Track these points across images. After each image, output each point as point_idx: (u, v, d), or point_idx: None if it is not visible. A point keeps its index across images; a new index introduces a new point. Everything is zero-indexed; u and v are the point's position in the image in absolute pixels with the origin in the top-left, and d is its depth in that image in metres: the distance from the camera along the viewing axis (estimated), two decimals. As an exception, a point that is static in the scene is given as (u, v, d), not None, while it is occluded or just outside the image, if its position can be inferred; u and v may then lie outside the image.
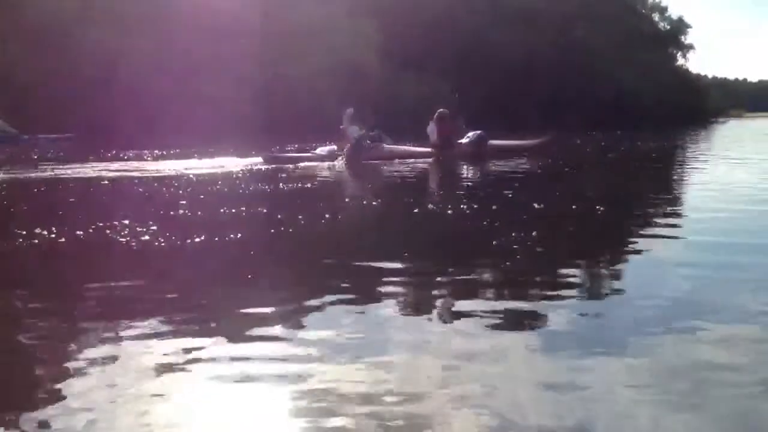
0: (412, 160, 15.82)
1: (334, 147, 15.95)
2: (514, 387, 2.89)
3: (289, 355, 3.30)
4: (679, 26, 70.34)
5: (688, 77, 69.25)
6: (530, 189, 11.01)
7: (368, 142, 15.78)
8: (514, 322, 3.89)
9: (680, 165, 16.12)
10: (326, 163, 15.22)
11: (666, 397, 2.75)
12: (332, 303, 4.20)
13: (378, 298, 4.36)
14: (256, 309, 4.10)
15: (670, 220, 7.46)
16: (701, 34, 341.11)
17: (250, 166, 14.69)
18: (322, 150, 16.07)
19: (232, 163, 15.50)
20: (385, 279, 4.83)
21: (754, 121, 70.28)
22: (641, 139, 23.19)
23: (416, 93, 37.30)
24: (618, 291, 4.58)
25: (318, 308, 4.11)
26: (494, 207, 8.50)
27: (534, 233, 6.51)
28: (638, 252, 5.88)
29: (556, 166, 15.37)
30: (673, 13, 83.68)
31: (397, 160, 15.56)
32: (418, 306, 4.30)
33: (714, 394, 2.80)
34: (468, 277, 5.07)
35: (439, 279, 4.95)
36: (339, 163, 15.17)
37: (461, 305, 4.19)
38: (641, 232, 6.82)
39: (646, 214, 8.09)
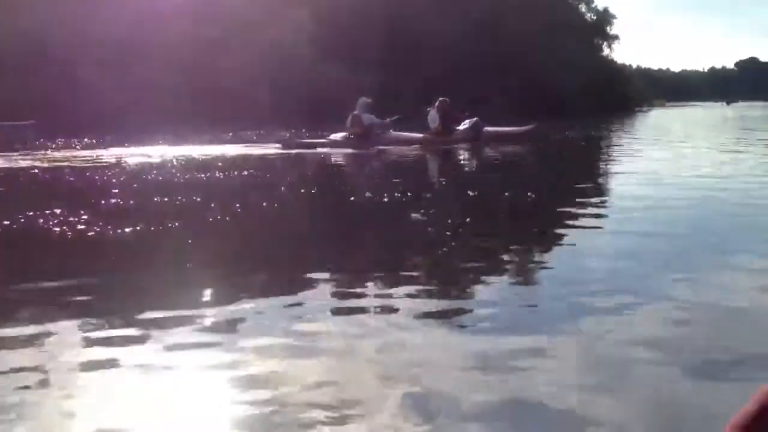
0: (415, 145, 16.57)
1: (345, 133, 16.71)
2: (443, 370, 3.00)
3: (215, 343, 3.34)
4: (605, 17, 71.91)
5: (613, 67, 70.84)
6: (464, 177, 11.23)
7: (378, 131, 16.57)
8: (445, 309, 4.00)
9: (607, 153, 16.57)
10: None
11: (592, 379, 2.91)
12: (261, 294, 4.25)
13: (306, 289, 4.38)
14: (183, 300, 4.12)
15: (597, 209, 7.73)
16: (626, 25, 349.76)
17: (182, 156, 14.49)
18: (335, 136, 16.80)
19: (169, 152, 15.27)
20: (312, 272, 4.82)
21: (675, 110, 72.52)
22: (569, 128, 23.65)
23: (342, 82, 37.26)
24: (545, 276, 4.76)
25: (243, 299, 4.13)
26: (428, 195, 8.65)
27: (468, 220, 6.67)
28: (566, 237, 6.12)
29: (490, 155, 15.65)
30: (599, 3, 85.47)
31: (402, 146, 16.34)
32: (347, 297, 4.34)
33: (637, 373, 2.97)
34: (400, 265, 5.13)
35: (369, 268, 5.03)
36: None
37: (392, 294, 4.25)
38: (569, 220, 7.05)
39: (574, 202, 8.33)
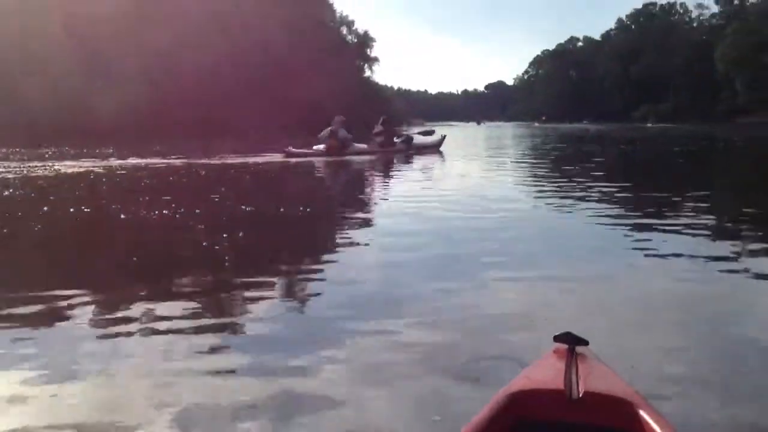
0: (369, 156, 20.28)
1: (324, 145, 20.14)
2: (209, 389, 2.96)
3: None
4: (365, 40, 75.12)
5: (374, 87, 74.06)
6: (238, 190, 11.12)
7: (348, 144, 20.54)
8: (216, 326, 3.91)
9: (374, 170, 17.09)
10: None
11: (360, 390, 2.96)
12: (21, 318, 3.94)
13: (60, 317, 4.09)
14: None
15: (365, 225, 7.98)
16: (387, 48, 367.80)
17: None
18: (317, 147, 20.22)
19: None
20: (68, 299, 4.48)
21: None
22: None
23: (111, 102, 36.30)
24: (315, 291, 4.74)
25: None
26: (198, 211, 8.42)
27: (240, 234, 6.52)
28: (334, 251, 6.27)
29: (268, 169, 15.62)
30: (360, 27, 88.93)
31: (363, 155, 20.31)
32: (109, 319, 4.09)
33: (405, 373, 3.08)
34: (172, 283, 4.98)
35: (135, 289, 4.79)
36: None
37: (161, 314, 4.09)
38: (339, 234, 7.24)
39: (344, 217, 8.52)
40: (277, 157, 19.20)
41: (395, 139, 22.13)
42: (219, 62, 45.78)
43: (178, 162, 17.59)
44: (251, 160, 18.47)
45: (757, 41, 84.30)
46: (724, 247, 6.06)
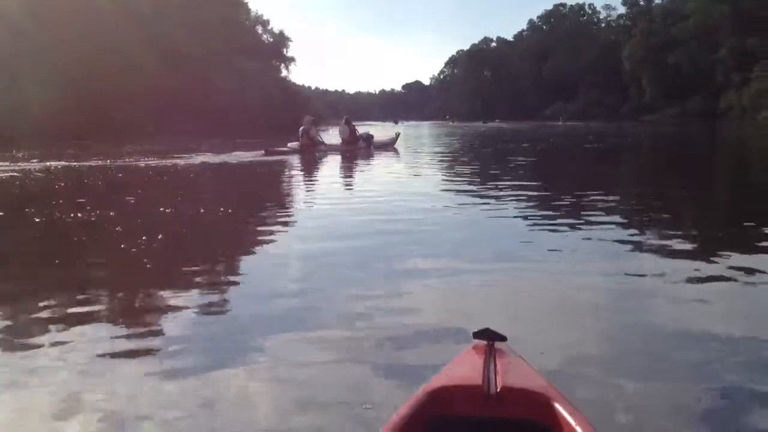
0: (337, 151, 22.05)
1: (298, 143, 21.85)
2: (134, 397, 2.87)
3: None
4: (281, 39, 74.36)
5: (291, 88, 73.38)
6: (161, 191, 10.88)
7: (319, 141, 22.48)
8: (129, 331, 3.82)
9: (295, 169, 16.91)
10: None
11: (279, 391, 2.96)
12: None
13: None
14: None
15: (285, 224, 7.88)
16: (304, 48, 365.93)
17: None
18: (291, 145, 21.89)
19: None
20: None
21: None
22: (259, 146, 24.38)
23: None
24: (230, 295, 4.64)
25: None
26: (112, 213, 8.33)
27: (160, 236, 6.48)
28: (256, 252, 6.19)
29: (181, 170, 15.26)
30: (276, 26, 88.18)
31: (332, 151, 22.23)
32: (17, 326, 3.94)
33: (323, 375, 3.08)
34: (86, 289, 4.76)
35: (47, 293, 4.60)
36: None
37: (72, 320, 3.95)
38: (259, 235, 7.11)
39: (266, 217, 8.43)
40: (208, 157, 19.25)
41: (359, 139, 23.52)
42: (125, 64, 44.48)
43: (90, 164, 17.03)
44: (172, 161, 17.93)
45: (661, 41, 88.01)
46: (636, 241, 6.26)
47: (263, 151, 20.64)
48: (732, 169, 16.58)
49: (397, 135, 26.46)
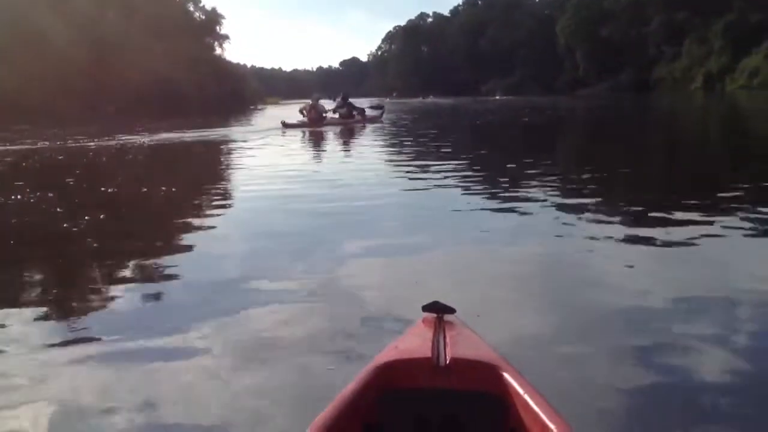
0: (341, 126, 23.80)
1: (306, 117, 23.74)
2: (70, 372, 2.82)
3: None
4: (214, 17, 72.91)
5: (226, 66, 72.14)
6: (100, 172, 10.66)
7: (325, 115, 24.30)
8: (74, 311, 3.80)
9: (231, 149, 16.66)
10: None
11: (226, 372, 2.92)
12: None
13: None
14: None
15: (222, 204, 7.83)
16: (239, 27, 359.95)
17: None
18: (301, 119, 23.76)
19: None
20: None
21: (289, 107, 76.54)
22: (178, 127, 23.95)
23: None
24: (174, 274, 4.57)
25: None
26: (50, 195, 8.23)
27: (102, 216, 6.46)
28: (196, 230, 6.13)
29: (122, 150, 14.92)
30: (207, 3, 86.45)
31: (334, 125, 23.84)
32: None
33: (271, 353, 3.07)
34: (30, 268, 4.73)
35: None
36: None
37: (11, 304, 3.88)
38: (197, 214, 7.06)
39: (203, 197, 8.36)
40: (145, 138, 18.84)
41: (354, 113, 25.50)
42: (43, 48, 42.92)
43: (26, 147, 16.48)
44: (107, 144, 17.52)
45: (594, 14, 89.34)
46: (577, 213, 6.38)
47: (281, 124, 22.88)
48: (666, 140, 17.00)
49: (383, 109, 29.57)
